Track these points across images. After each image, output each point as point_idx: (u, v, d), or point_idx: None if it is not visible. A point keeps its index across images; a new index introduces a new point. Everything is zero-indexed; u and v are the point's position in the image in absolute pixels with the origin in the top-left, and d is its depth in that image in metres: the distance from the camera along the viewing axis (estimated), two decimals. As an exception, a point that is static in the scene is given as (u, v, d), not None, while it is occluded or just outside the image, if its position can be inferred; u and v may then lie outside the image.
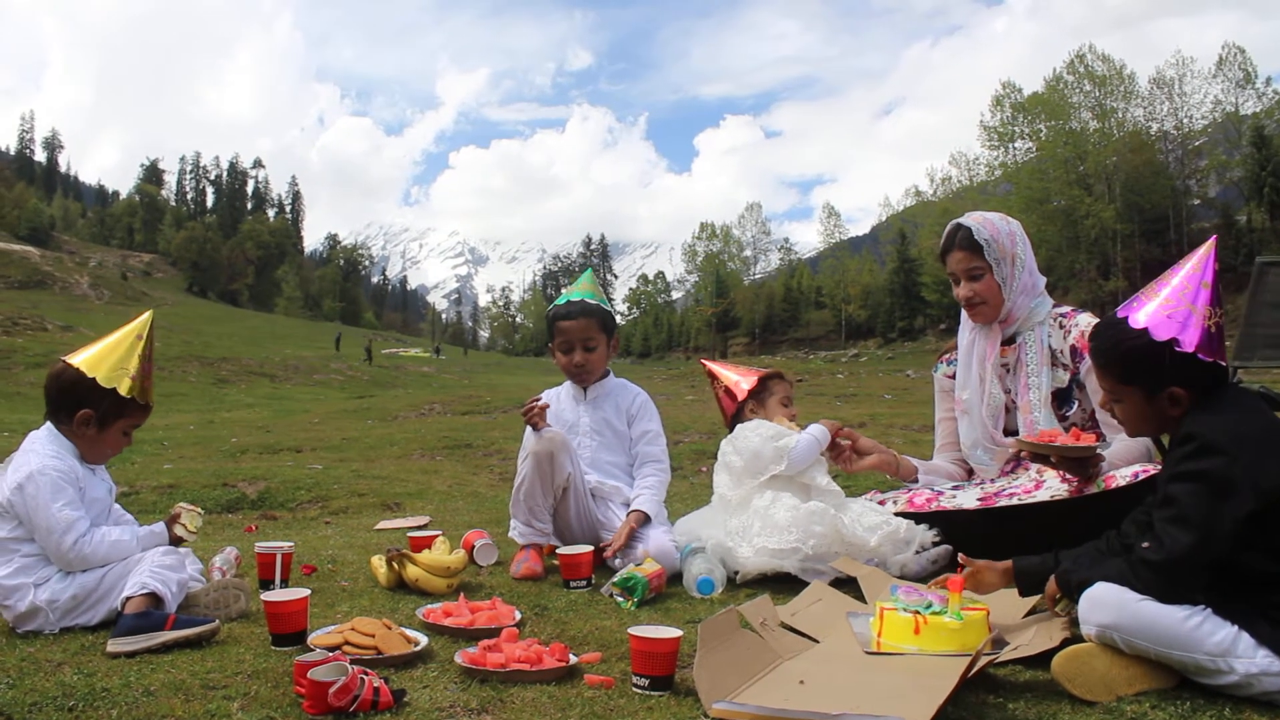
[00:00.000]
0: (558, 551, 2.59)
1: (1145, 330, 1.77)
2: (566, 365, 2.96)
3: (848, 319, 67.94)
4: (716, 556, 2.58)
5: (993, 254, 2.74)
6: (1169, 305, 1.78)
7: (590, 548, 2.59)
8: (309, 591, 2.05)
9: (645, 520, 2.75)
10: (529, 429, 2.83)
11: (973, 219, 2.79)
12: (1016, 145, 49.77)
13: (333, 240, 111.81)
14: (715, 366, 3.09)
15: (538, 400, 2.82)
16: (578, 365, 2.94)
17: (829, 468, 2.84)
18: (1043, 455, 2.38)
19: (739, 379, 3.01)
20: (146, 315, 2.28)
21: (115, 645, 1.92)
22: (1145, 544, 1.71)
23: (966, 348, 2.86)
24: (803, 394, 15.78)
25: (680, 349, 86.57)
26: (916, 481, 2.92)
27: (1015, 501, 2.46)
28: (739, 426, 2.90)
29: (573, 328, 2.92)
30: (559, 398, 3.06)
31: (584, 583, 2.52)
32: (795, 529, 2.53)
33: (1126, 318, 1.81)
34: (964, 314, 2.88)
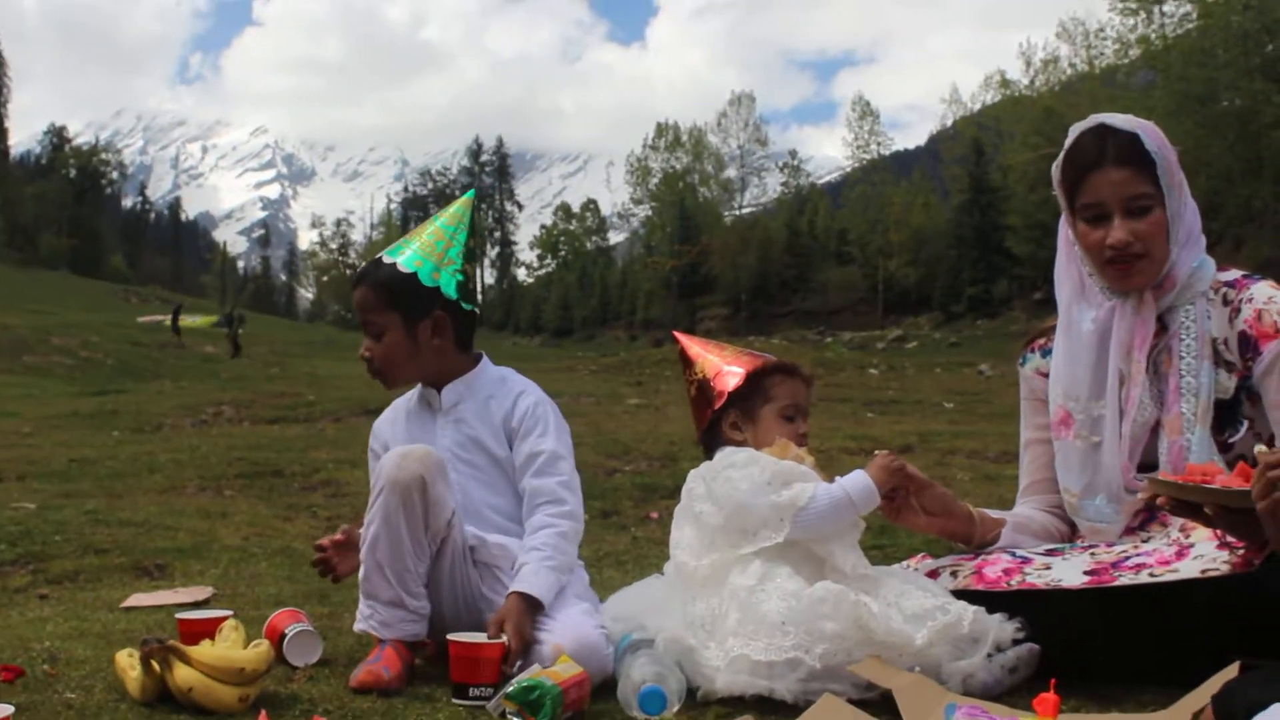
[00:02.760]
0: (450, 638, 2.62)
1: None
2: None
3: (888, 281, 68.86)
4: (671, 658, 2.60)
5: (1165, 176, 2.76)
6: None
7: (502, 639, 2.64)
8: (8, 710, 2.02)
9: (534, 608, 2.78)
10: (375, 438, 2.92)
11: (1124, 120, 2.82)
12: (1165, 10, 48.54)
13: (56, 136, 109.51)
14: (692, 344, 3.14)
15: (331, 539, 3.07)
16: (365, 361, 3.07)
17: (870, 527, 2.90)
18: (1190, 504, 2.42)
19: (721, 366, 3.03)
20: None
21: None
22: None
23: (1087, 331, 2.89)
24: (815, 399, 15.84)
25: (620, 324, 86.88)
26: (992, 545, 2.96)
27: (1145, 578, 2.49)
28: (720, 454, 2.91)
29: (356, 304, 3.08)
30: (398, 414, 3.17)
31: (486, 691, 2.55)
32: (794, 628, 2.53)
33: None
34: (1079, 277, 2.92)
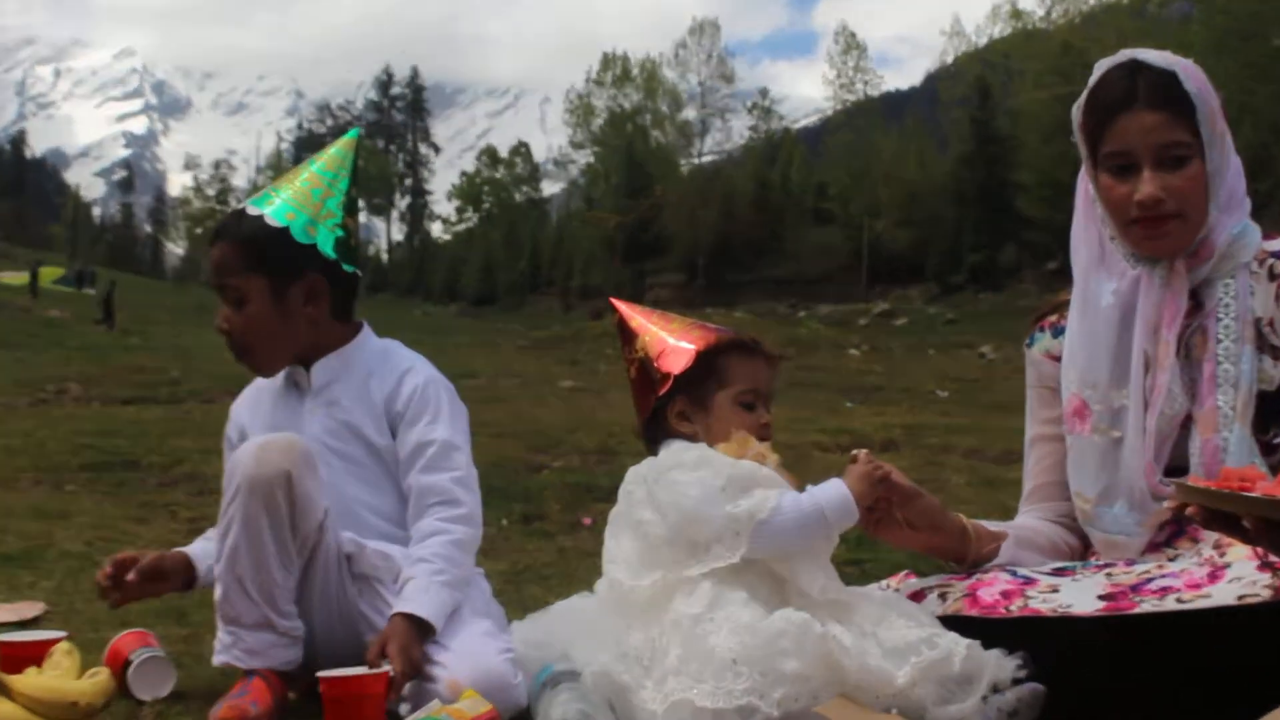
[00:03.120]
0: (322, 676, 2.62)
1: None
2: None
3: (874, 245, 69.35)
4: (600, 696, 2.60)
5: (1206, 124, 2.76)
6: None
7: (386, 668, 2.65)
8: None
9: (424, 633, 2.78)
10: (232, 424, 3.09)
11: (1159, 56, 2.82)
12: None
13: None
14: (634, 314, 3.14)
15: (116, 560, 3.11)
16: (223, 334, 3.09)
17: (844, 542, 2.90)
18: (1225, 515, 2.42)
19: (668, 342, 3.03)
20: None
21: None
22: None
23: (1107, 305, 2.90)
24: (781, 384, 15.92)
25: (554, 291, 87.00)
26: (989, 563, 2.96)
27: (1171, 604, 2.49)
28: (665, 451, 2.90)
29: (214, 265, 3.10)
30: (260, 395, 3.21)
31: (369, 733, 2.54)
32: (749, 668, 2.52)
33: None
34: (1100, 240, 2.93)
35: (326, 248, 3.05)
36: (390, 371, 3.10)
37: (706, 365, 2.96)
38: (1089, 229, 2.96)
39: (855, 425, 10.96)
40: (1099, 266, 2.94)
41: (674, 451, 2.87)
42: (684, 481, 2.77)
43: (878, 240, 68.89)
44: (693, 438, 2.91)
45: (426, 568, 2.86)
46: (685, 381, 2.95)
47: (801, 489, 2.80)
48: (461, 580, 2.93)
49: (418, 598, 2.80)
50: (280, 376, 3.17)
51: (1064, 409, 2.98)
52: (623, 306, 3.16)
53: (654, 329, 3.07)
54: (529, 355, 24.69)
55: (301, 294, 3.03)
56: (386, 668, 2.64)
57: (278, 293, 3.03)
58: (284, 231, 3.03)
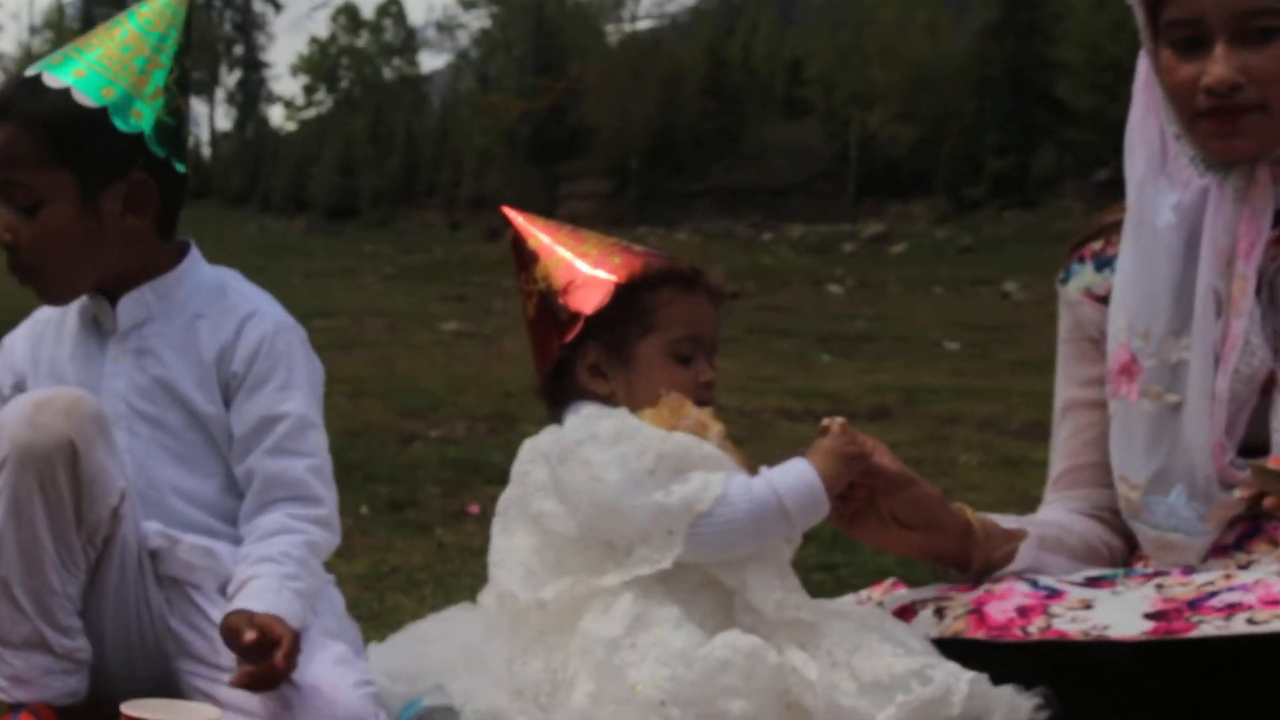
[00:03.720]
0: (126, 710, 2.62)
1: None
2: None
3: (865, 146, 69.39)
4: None
5: None
6: None
7: (211, 711, 2.66)
8: None
9: (288, 638, 2.76)
10: (2, 366, 3.10)
11: None
12: None
13: None
14: (534, 229, 3.15)
15: None
16: (7, 251, 3.01)
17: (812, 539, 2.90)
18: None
19: (579, 270, 3.03)
20: None
21: None
22: None
23: (1166, 225, 2.92)
24: (739, 329, 15.99)
25: (435, 202, 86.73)
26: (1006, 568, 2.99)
27: (1242, 626, 2.50)
28: (573, 418, 2.90)
29: None
30: (42, 332, 3.16)
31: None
32: (682, 711, 2.53)
33: None
34: (1160, 139, 2.94)
35: (154, 137, 3.01)
36: (227, 315, 3.07)
37: (629, 303, 2.95)
38: (1149, 123, 2.96)
39: (834, 386, 11.03)
40: (1159, 173, 2.94)
41: (585, 419, 2.86)
42: (598, 461, 2.76)
43: (870, 139, 68.90)
44: (609, 399, 2.91)
45: (275, 569, 2.85)
46: (601, 324, 2.94)
47: (754, 472, 2.80)
48: (313, 592, 2.92)
49: (267, 598, 2.78)
50: (73, 309, 3.13)
51: (1109, 365, 3.00)
52: (519, 219, 3.16)
53: (561, 252, 3.06)
54: (400, 287, 24.64)
55: (119, 199, 2.99)
56: (216, 713, 2.65)
57: (88, 196, 2.99)
58: (100, 113, 2.98)
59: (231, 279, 3.16)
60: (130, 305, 3.05)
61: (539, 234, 3.12)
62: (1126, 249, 2.99)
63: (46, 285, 3.05)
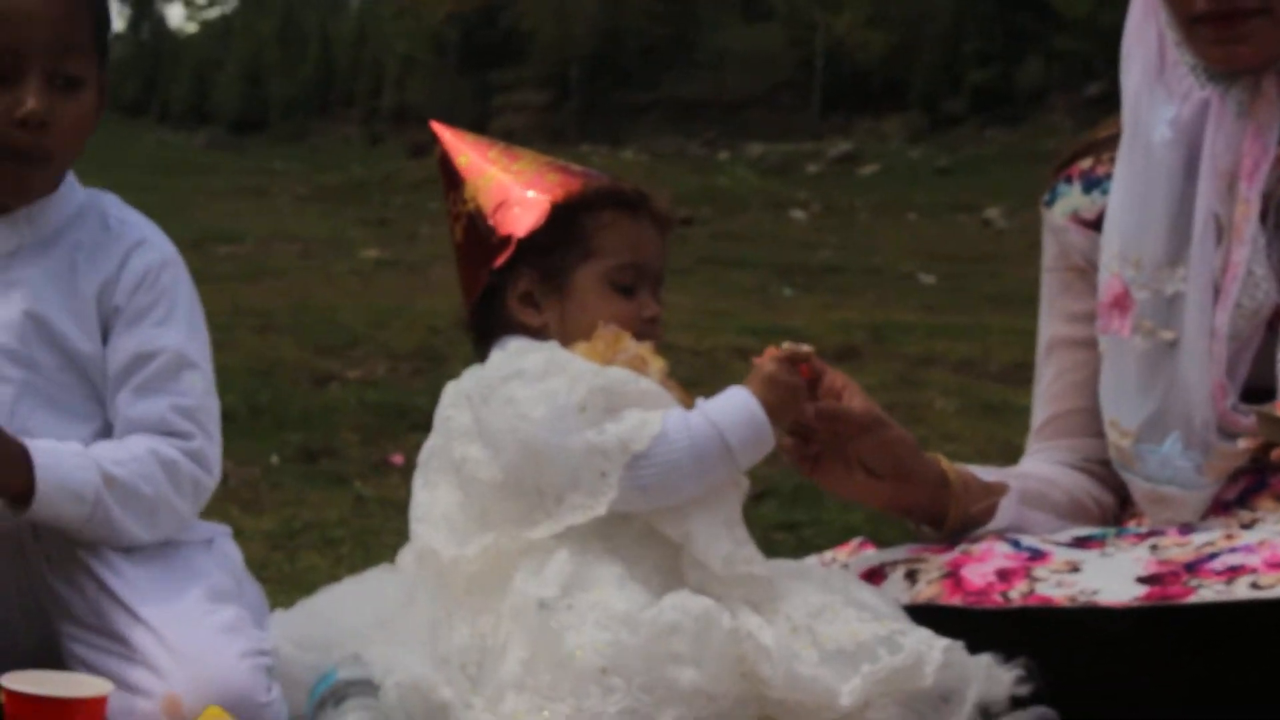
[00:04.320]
0: (5, 685, 2.63)
1: None
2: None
3: (832, 53, 69.36)
4: (408, 717, 2.63)
5: None
6: None
7: (102, 685, 2.66)
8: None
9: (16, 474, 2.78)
10: None
11: None
12: None
13: None
14: (462, 145, 3.17)
15: None
16: (26, 130, 2.92)
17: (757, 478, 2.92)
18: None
19: (511, 190, 3.04)
20: None
21: None
22: None
23: (1162, 142, 2.92)
24: (691, 259, 16.02)
25: (353, 114, 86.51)
26: (985, 526, 3.01)
27: (1244, 592, 2.53)
28: (499, 353, 2.91)
29: (28, 3, 2.93)
30: None
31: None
32: (625, 680, 2.54)
33: None
34: (1158, 47, 2.95)
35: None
36: (110, 245, 3.06)
37: (565, 226, 2.96)
38: (1147, 27, 2.98)
39: (796, 322, 11.05)
40: (1155, 83, 2.96)
41: (510, 354, 2.87)
42: (524, 398, 2.77)
43: (838, 46, 68.83)
44: (541, 332, 2.93)
45: (101, 449, 2.87)
46: (534, 248, 2.96)
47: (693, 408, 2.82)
48: (149, 503, 2.90)
49: (54, 448, 2.81)
50: None
51: (1099, 298, 3.02)
52: (447, 134, 3.17)
53: (492, 170, 3.08)
54: (314, 209, 24.53)
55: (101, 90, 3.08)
56: (108, 688, 2.65)
57: (103, 88, 3.06)
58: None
59: (111, 203, 3.15)
60: (6, 231, 3.02)
61: (469, 151, 3.14)
62: (1121, 168, 3.00)
63: (45, 176, 3.04)
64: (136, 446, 2.92)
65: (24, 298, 2.99)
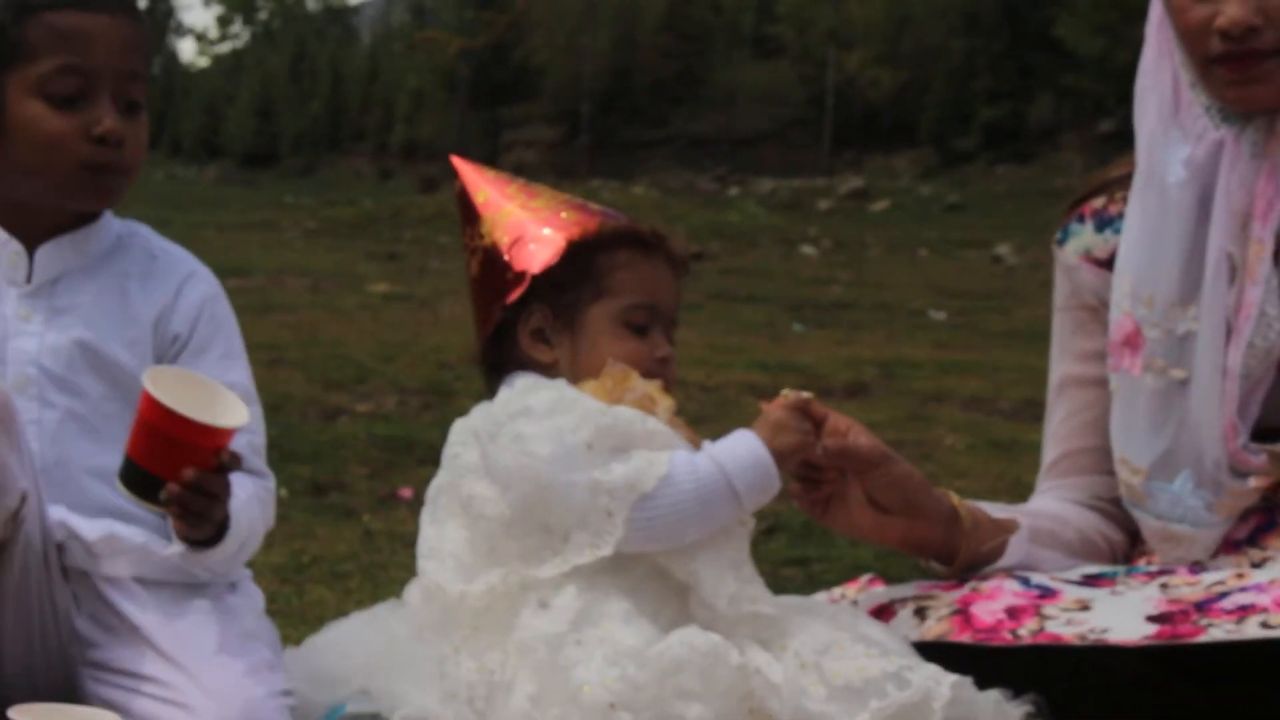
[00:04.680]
0: (12, 715, 2.61)
1: None
2: (72, 149, 2.92)
3: (843, 91, 69.44)
4: None
5: None
6: None
7: (109, 717, 2.65)
8: None
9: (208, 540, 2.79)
10: None
11: None
12: None
13: None
14: (481, 182, 3.17)
15: None
16: (104, 149, 2.93)
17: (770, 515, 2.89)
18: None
19: (527, 227, 3.04)
20: None
21: None
22: None
23: (1176, 182, 2.91)
24: (701, 294, 16.00)
25: (364, 149, 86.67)
26: (994, 564, 3.00)
27: (1255, 631, 2.51)
28: (508, 390, 2.90)
29: (103, 30, 2.94)
30: None
31: None
32: (634, 714, 2.53)
33: None
34: (1173, 87, 2.94)
35: None
36: (163, 273, 3.06)
37: (580, 264, 2.95)
38: (1162, 68, 2.97)
39: (806, 359, 11.02)
40: (1170, 123, 2.94)
41: (519, 391, 2.86)
42: (531, 435, 2.75)
43: (848, 83, 68.92)
44: (551, 369, 2.92)
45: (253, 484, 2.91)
46: (548, 285, 2.95)
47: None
48: (254, 546, 2.94)
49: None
50: None
51: (1110, 337, 3.01)
52: (466, 169, 3.16)
53: (510, 206, 3.07)
54: (324, 244, 24.50)
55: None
56: (114, 718, 2.63)
57: (150, 107, 3.09)
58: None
59: (148, 233, 3.16)
60: (49, 255, 3.01)
61: (487, 186, 3.13)
62: (1134, 207, 2.99)
63: (118, 195, 3.06)
64: (243, 490, 2.90)
65: (74, 323, 2.99)
